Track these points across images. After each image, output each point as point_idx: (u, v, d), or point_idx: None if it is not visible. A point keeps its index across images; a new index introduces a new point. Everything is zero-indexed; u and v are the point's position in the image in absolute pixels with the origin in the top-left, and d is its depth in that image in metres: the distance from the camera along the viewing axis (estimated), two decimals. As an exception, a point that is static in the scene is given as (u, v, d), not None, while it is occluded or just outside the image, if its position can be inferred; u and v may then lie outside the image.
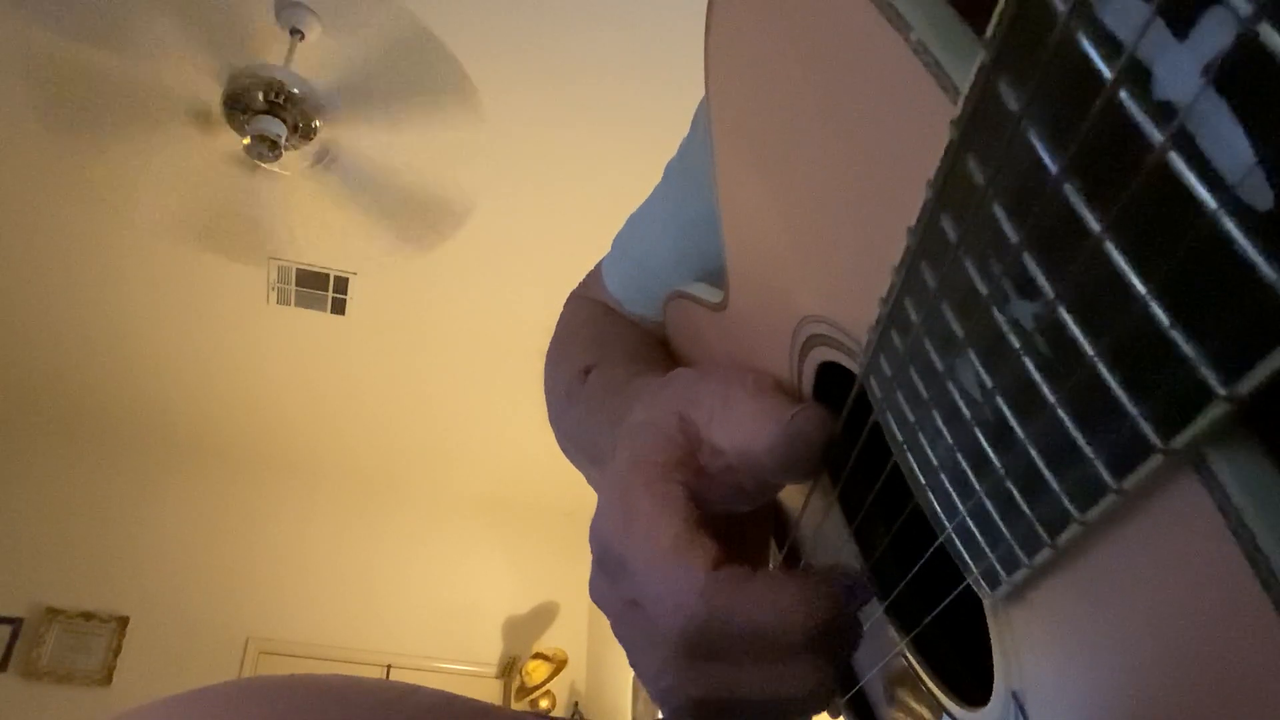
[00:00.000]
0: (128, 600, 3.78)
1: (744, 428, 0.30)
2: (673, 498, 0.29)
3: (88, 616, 3.69)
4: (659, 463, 0.30)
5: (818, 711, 0.32)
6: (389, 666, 3.98)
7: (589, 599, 0.35)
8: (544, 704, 3.89)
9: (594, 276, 0.61)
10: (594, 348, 0.53)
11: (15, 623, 3.61)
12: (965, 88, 0.16)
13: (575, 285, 0.64)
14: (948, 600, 0.27)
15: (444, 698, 0.33)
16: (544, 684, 3.87)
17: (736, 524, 0.35)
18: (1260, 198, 0.11)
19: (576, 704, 4.10)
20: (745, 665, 0.28)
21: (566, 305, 0.62)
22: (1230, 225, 0.11)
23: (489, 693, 4.06)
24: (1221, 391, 0.13)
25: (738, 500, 0.32)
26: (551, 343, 0.58)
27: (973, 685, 0.28)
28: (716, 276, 0.40)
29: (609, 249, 0.60)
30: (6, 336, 3.43)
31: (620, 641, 0.31)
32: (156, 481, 4.08)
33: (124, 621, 3.73)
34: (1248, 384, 0.12)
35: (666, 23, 2.15)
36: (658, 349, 0.52)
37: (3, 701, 3.48)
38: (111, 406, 3.88)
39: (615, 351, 0.51)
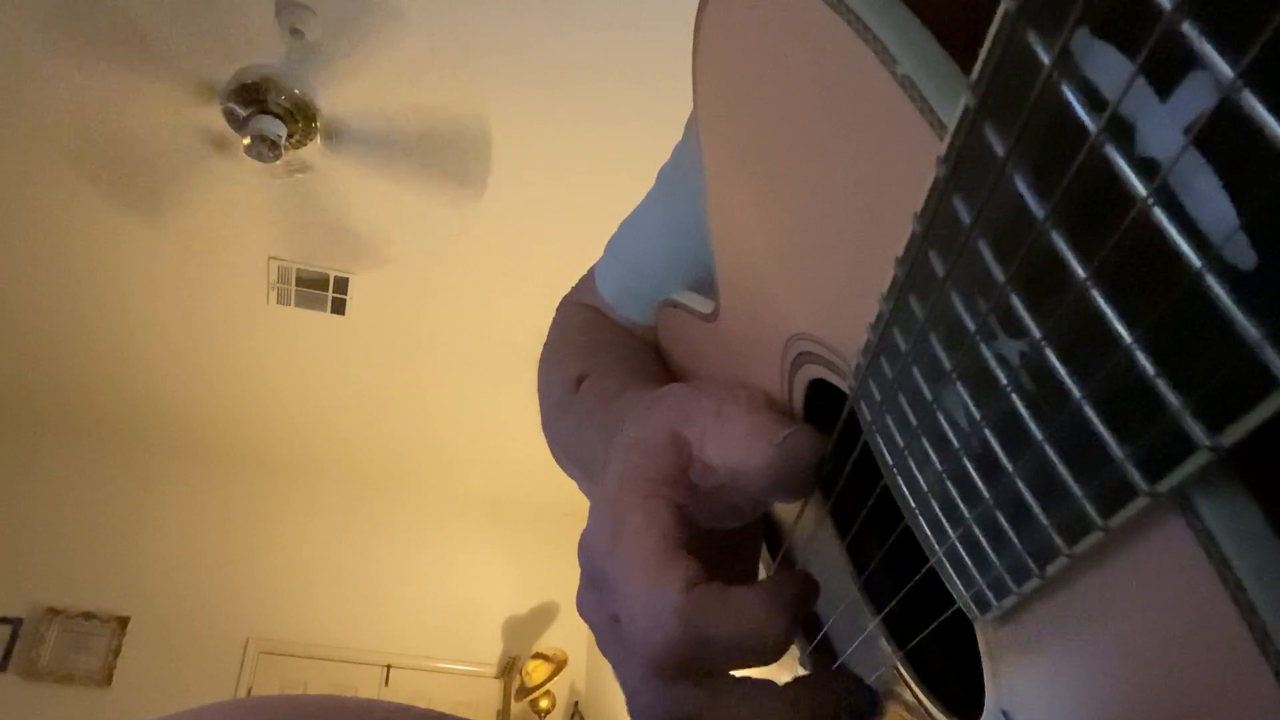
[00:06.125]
0: (128, 600, 3.78)
1: (737, 446, 0.30)
2: (658, 516, 0.29)
3: (88, 616, 3.69)
4: (649, 479, 0.30)
5: None
6: (389, 666, 3.98)
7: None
8: (544, 704, 3.89)
9: (586, 281, 0.60)
10: (586, 356, 0.53)
11: (15, 623, 3.61)
12: (951, 126, 0.16)
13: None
14: (938, 622, 0.27)
15: (435, 717, 0.34)
16: (544, 684, 3.87)
17: (728, 536, 0.35)
18: (1243, 258, 0.11)
19: (576, 704, 4.10)
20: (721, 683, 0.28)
21: (559, 310, 0.61)
22: (1214, 283, 0.11)
23: (489, 693, 4.06)
24: (1206, 442, 0.13)
25: (729, 517, 0.32)
26: (544, 349, 0.58)
27: (965, 699, 0.28)
28: (709, 283, 0.40)
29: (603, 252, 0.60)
30: (7, 336, 3.43)
31: (605, 656, 0.31)
32: (156, 481, 4.07)
33: (124, 621, 3.73)
34: (1231, 436, 0.12)
35: (667, 23, 2.15)
36: (650, 357, 0.52)
37: (3, 701, 3.48)
38: (111, 406, 3.87)
39: (608, 360, 0.51)
